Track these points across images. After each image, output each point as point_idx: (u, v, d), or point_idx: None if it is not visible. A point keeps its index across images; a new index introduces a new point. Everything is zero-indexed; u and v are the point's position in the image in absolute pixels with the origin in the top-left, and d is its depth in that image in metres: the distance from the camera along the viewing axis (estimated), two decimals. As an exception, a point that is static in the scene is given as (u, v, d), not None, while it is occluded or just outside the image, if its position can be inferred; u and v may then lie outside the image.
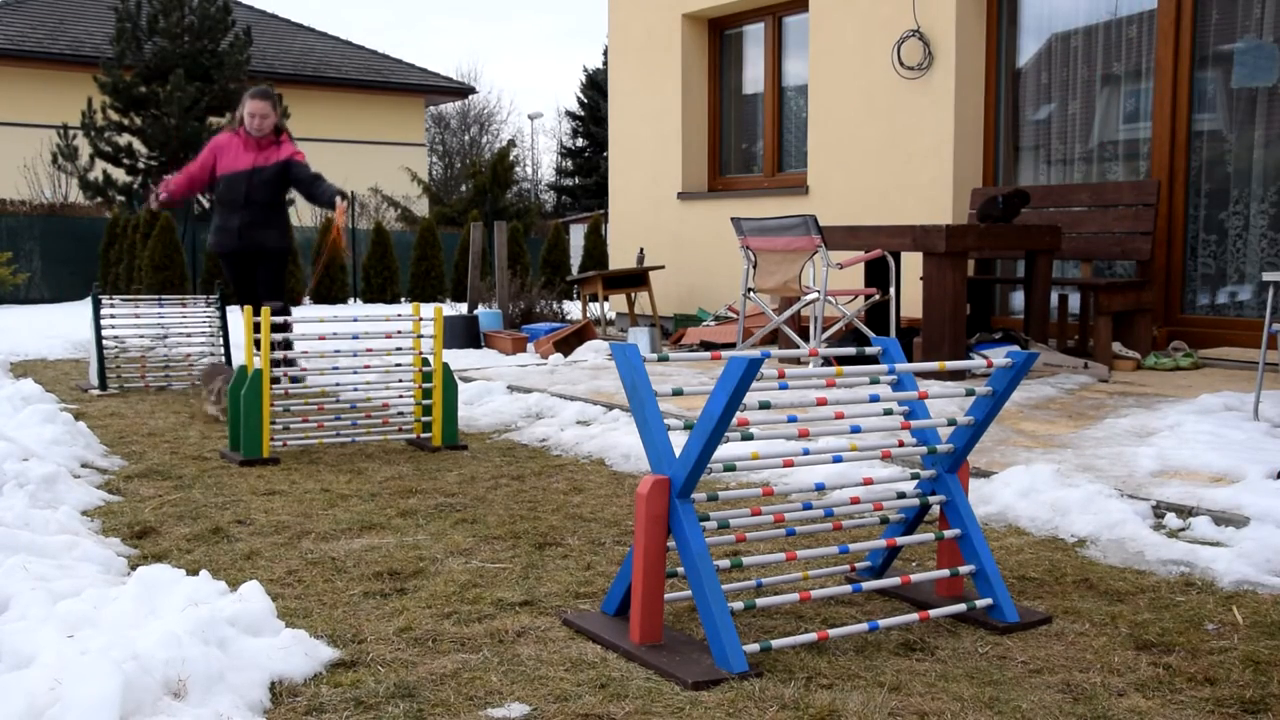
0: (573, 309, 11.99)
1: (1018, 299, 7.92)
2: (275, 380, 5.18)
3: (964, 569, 2.63)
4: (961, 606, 2.58)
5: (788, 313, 6.78)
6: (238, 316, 6.09)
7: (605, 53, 16.40)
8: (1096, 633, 2.51)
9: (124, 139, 18.23)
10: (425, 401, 4.82)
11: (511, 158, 23.86)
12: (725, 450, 3.18)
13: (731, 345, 7.80)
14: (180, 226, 15.65)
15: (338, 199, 6.45)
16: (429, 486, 4.08)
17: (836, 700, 2.11)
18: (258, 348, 4.54)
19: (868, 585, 2.62)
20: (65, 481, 3.82)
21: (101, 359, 6.78)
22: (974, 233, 6.32)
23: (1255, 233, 6.88)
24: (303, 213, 21.13)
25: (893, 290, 6.61)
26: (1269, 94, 6.80)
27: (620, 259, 10.76)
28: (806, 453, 2.56)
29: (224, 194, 6.62)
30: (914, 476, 2.77)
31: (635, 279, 10.04)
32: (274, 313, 6.15)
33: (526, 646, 2.43)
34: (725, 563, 2.41)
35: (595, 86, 35.65)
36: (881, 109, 8.30)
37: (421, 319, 4.83)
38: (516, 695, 2.17)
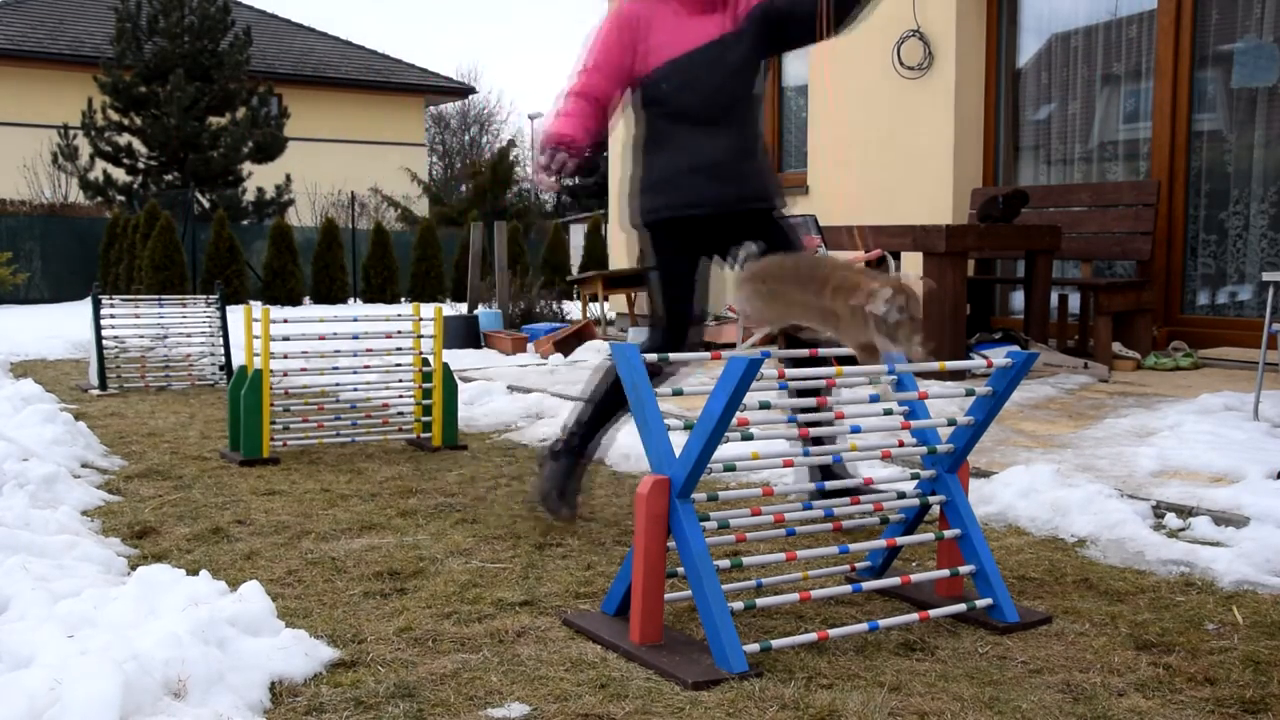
0: (573, 309, 11.99)
1: (1018, 299, 7.91)
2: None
3: (964, 569, 2.63)
4: (961, 606, 2.58)
5: (788, 313, 6.77)
6: (238, 317, 5.88)
7: (605, 53, 16.29)
8: (1096, 633, 2.51)
9: (124, 139, 18.26)
10: (425, 402, 4.82)
11: (511, 158, 23.86)
12: (725, 450, 3.18)
13: (731, 345, 7.79)
14: (180, 226, 15.63)
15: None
16: (429, 486, 4.08)
17: (836, 700, 2.11)
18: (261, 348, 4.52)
19: (868, 585, 2.62)
20: (65, 481, 3.82)
21: (101, 359, 6.78)
22: (974, 233, 6.32)
23: (1255, 233, 6.88)
24: (303, 211, 21.19)
25: (893, 290, 6.60)
26: (1269, 94, 6.80)
27: (620, 259, 10.76)
28: (807, 453, 2.57)
29: (680, 98, 3.33)
30: (914, 476, 2.77)
31: (635, 279, 10.03)
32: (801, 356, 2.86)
33: (526, 646, 2.43)
34: (725, 563, 2.41)
35: (595, 86, 35.55)
36: (881, 109, 8.29)
37: (421, 319, 4.83)
38: (516, 695, 2.17)
